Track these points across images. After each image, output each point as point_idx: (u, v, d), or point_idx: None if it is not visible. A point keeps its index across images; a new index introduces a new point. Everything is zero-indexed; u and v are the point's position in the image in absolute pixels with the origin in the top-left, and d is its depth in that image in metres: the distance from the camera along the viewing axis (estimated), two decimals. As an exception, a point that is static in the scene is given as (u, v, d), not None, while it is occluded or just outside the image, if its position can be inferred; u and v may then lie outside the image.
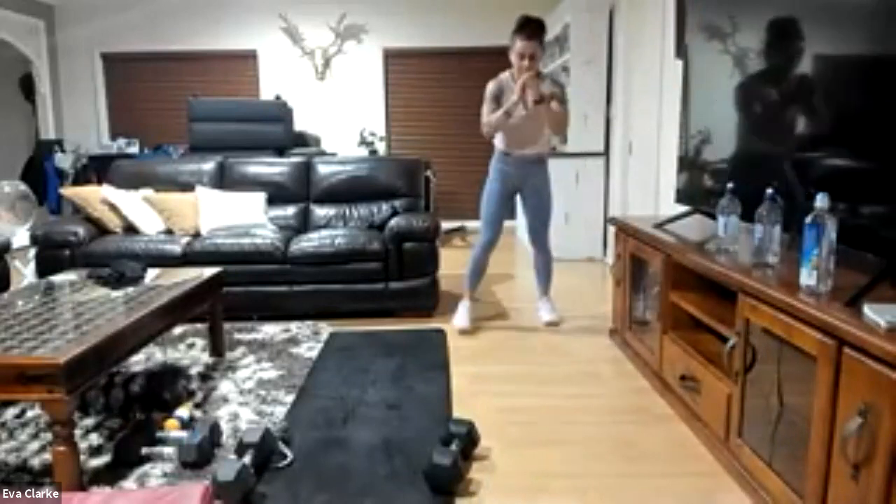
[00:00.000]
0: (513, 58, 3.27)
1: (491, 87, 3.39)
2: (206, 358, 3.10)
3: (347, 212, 4.34)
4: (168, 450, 2.16)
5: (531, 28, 3.24)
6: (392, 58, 7.32)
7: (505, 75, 3.40)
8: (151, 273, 2.91)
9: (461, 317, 3.57)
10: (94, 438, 2.27)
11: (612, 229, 3.97)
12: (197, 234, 3.97)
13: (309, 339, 3.40)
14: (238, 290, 3.54)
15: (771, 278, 1.85)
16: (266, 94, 7.19)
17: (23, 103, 7.71)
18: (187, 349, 3.24)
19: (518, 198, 3.60)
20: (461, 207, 7.30)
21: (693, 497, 1.95)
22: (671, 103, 3.79)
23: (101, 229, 3.94)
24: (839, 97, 1.91)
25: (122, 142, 7.24)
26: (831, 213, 1.61)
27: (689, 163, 2.88)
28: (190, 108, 5.52)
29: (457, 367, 2.99)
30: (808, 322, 1.55)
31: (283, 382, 2.80)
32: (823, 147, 2.00)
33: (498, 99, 3.34)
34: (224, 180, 4.39)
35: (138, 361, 3.00)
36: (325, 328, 3.57)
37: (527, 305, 3.98)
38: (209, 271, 2.97)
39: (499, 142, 3.48)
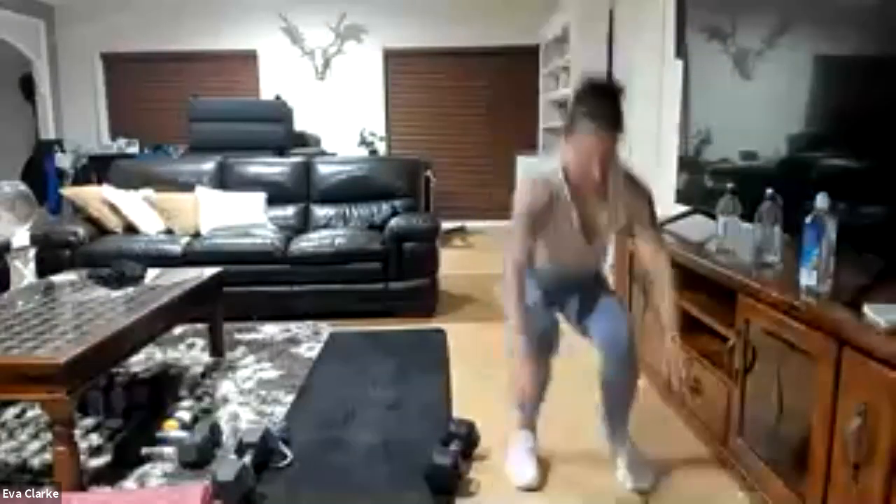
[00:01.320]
0: (571, 147, 1.85)
1: (528, 191, 1.95)
2: (206, 358, 3.10)
3: (347, 212, 4.34)
4: (168, 450, 2.16)
5: (612, 110, 1.79)
6: (392, 58, 7.32)
7: (553, 174, 1.94)
8: (151, 273, 2.91)
9: (522, 462, 2.07)
10: (94, 438, 2.27)
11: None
12: (197, 234, 3.97)
13: (309, 339, 3.40)
14: (238, 290, 3.53)
15: (771, 278, 1.85)
16: (266, 94, 7.19)
17: (23, 103, 7.71)
18: (187, 349, 3.24)
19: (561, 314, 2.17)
20: (461, 207, 7.29)
21: (693, 497, 1.95)
22: (671, 103, 3.79)
23: (101, 229, 3.94)
24: (839, 97, 1.91)
25: (122, 142, 7.23)
26: (831, 213, 1.61)
27: (689, 163, 2.88)
28: (190, 108, 5.52)
29: (457, 367, 2.99)
30: (808, 322, 1.55)
31: (283, 382, 2.80)
32: (824, 147, 2.00)
33: (541, 214, 1.93)
34: (224, 180, 4.39)
35: (138, 361, 3.00)
36: (325, 328, 3.57)
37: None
38: (209, 271, 2.97)
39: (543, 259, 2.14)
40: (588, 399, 2.18)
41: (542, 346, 1.96)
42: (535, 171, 2.04)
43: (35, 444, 2.23)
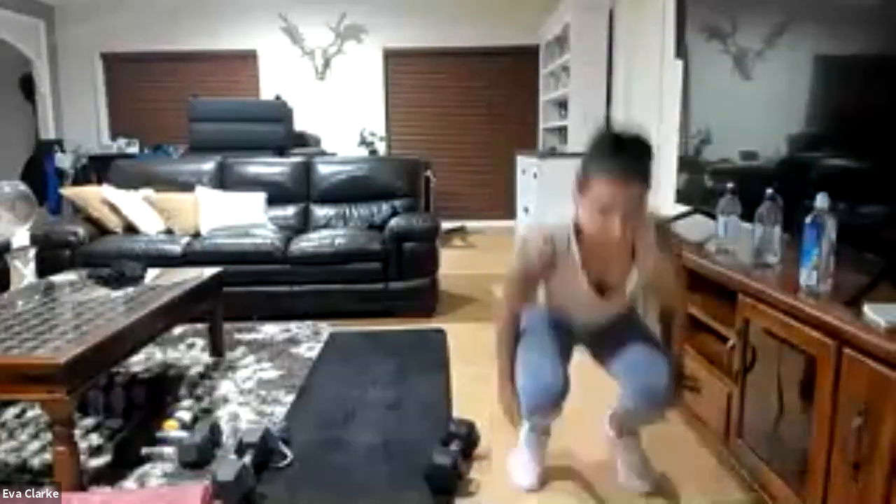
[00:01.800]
0: (586, 203, 1.62)
1: (529, 250, 1.76)
2: (206, 358, 3.10)
3: (347, 212, 4.34)
4: (168, 450, 2.16)
5: (630, 160, 1.57)
6: (392, 58, 7.32)
7: (561, 230, 1.73)
8: (151, 273, 2.91)
9: (525, 466, 2.03)
10: (94, 438, 2.27)
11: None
12: (197, 234, 3.97)
13: (309, 339, 3.40)
14: (238, 290, 3.53)
15: (771, 278, 1.85)
16: (266, 94, 7.19)
17: (23, 103, 7.71)
18: (187, 349, 3.24)
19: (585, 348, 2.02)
20: (461, 207, 7.30)
21: (693, 497, 1.95)
22: (671, 103, 3.79)
23: (101, 229, 3.94)
24: (839, 97, 1.91)
25: (122, 142, 7.24)
26: (831, 212, 1.61)
27: (689, 163, 2.88)
28: (190, 108, 5.52)
29: (457, 367, 2.99)
30: (808, 322, 1.55)
31: (283, 382, 2.80)
32: (824, 147, 2.00)
33: (540, 275, 1.80)
34: (224, 180, 4.39)
35: (138, 361, 3.00)
36: (325, 328, 3.57)
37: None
38: (209, 271, 2.97)
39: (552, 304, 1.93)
40: (592, 397, 2.18)
41: (546, 406, 1.79)
42: (544, 226, 1.80)
43: (35, 444, 2.23)
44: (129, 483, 2.00)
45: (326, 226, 4.26)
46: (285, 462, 2.09)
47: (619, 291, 1.79)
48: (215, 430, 2.21)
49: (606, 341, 1.91)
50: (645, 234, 1.71)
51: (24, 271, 4.28)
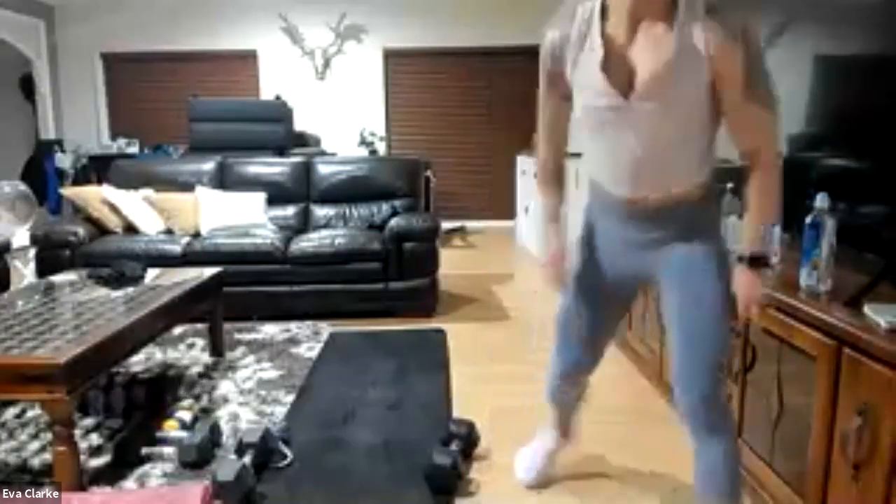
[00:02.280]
0: None
1: (552, 26, 1.47)
2: (206, 358, 3.10)
3: (347, 212, 4.34)
4: (168, 450, 2.16)
5: None
6: (392, 58, 7.32)
7: (585, 5, 1.43)
8: (151, 273, 2.91)
9: (531, 461, 2.01)
10: (94, 438, 2.27)
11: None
12: (197, 234, 3.97)
13: (309, 339, 3.40)
14: (238, 290, 3.53)
15: (771, 278, 1.85)
16: (266, 94, 7.19)
17: (23, 103, 7.71)
18: (187, 349, 3.24)
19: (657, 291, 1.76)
20: (461, 207, 7.30)
21: (693, 497, 1.94)
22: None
23: (101, 229, 3.93)
24: (839, 97, 1.91)
25: (122, 142, 7.23)
26: (831, 212, 1.62)
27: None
28: (190, 108, 5.52)
29: (457, 367, 2.99)
30: (808, 322, 1.55)
31: (283, 382, 2.80)
32: (824, 147, 2.00)
33: (560, 62, 1.46)
34: (224, 180, 4.39)
35: (138, 361, 3.00)
36: (325, 328, 3.57)
37: (527, 305, 3.98)
38: (209, 271, 2.98)
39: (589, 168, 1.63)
40: (593, 397, 2.18)
41: (563, 384, 1.87)
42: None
43: (35, 444, 2.23)
44: (129, 483, 2.00)
45: (326, 226, 4.26)
46: (285, 462, 2.09)
47: (660, 97, 1.35)
48: (215, 430, 2.21)
49: (668, 295, 1.52)
50: (690, 7, 1.31)
51: (24, 271, 4.28)
